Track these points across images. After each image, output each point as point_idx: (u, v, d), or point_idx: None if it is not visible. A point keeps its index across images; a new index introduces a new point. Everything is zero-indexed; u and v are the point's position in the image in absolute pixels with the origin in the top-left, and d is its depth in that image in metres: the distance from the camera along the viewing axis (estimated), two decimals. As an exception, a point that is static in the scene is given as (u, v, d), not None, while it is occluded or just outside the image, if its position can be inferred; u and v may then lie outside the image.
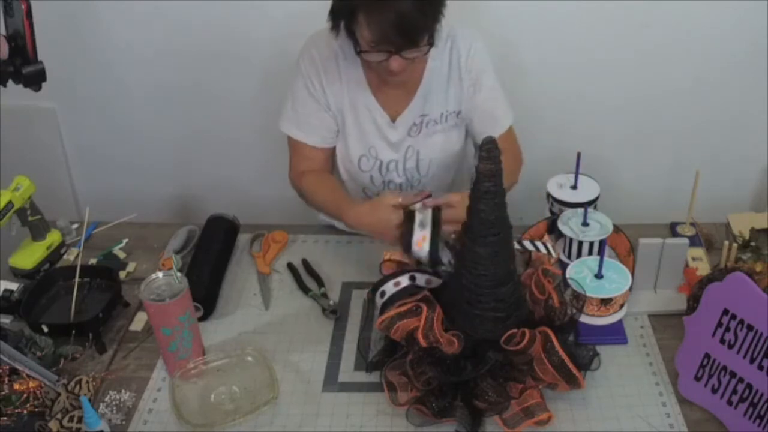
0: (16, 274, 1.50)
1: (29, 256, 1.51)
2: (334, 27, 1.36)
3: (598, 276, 1.29)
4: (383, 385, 1.21)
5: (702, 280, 1.33)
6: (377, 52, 1.33)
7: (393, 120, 1.52)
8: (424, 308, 1.20)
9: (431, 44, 1.34)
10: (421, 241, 1.27)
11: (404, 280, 1.27)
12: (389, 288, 1.27)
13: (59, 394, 1.21)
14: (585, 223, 1.41)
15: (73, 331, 1.31)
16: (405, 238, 1.28)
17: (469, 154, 1.65)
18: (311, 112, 1.51)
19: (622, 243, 1.44)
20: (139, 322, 1.40)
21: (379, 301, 1.28)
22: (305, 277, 1.51)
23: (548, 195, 1.51)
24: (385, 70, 1.37)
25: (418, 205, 1.31)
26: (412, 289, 1.26)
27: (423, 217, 1.29)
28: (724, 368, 1.16)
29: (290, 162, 1.58)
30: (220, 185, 2.20)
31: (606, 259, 1.29)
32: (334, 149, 1.58)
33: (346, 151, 1.56)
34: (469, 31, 1.51)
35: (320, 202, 1.53)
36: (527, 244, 1.32)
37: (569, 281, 1.27)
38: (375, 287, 1.29)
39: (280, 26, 1.90)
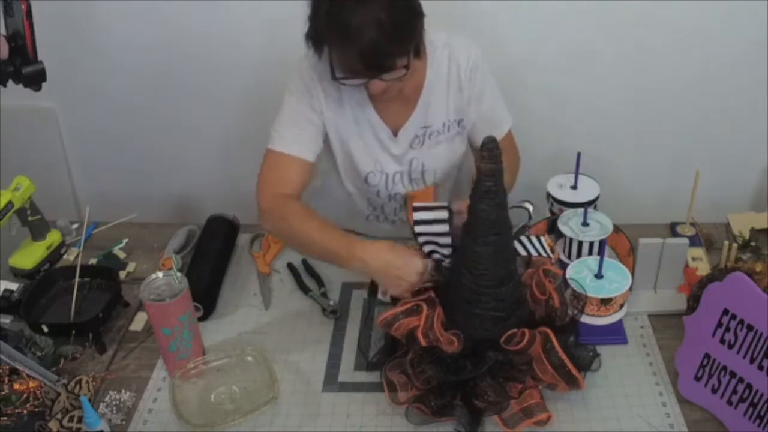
0: (16, 274, 1.51)
1: (29, 256, 1.51)
2: (316, 51, 1.32)
3: (598, 276, 1.29)
4: (383, 384, 1.21)
5: (702, 280, 1.33)
6: (352, 79, 1.32)
7: (395, 133, 1.51)
8: (424, 307, 1.20)
9: (407, 67, 1.30)
10: None
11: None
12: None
13: (59, 394, 1.21)
14: (585, 223, 1.41)
15: (73, 331, 1.31)
16: None
17: (467, 157, 1.65)
18: (301, 122, 1.45)
19: (622, 243, 1.44)
20: (139, 322, 1.40)
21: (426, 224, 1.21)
22: (305, 277, 1.51)
23: (548, 195, 1.51)
24: (368, 91, 1.36)
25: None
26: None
27: None
28: (724, 368, 1.16)
29: (263, 182, 1.45)
30: (220, 185, 2.20)
31: (606, 259, 1.29)
32: (313, 168, 1.49)
33: (353, 167, 1.54)
34: (464, 39, 1.49)
35: (314, 229, 1.33)
36: (524, 240, 1.31)
37: (569, 281, 1.27)
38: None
39: (280, 26, 1.90)
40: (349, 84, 1.35)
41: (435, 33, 1.43)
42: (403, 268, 1.23)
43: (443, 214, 1.22)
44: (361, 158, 1.53)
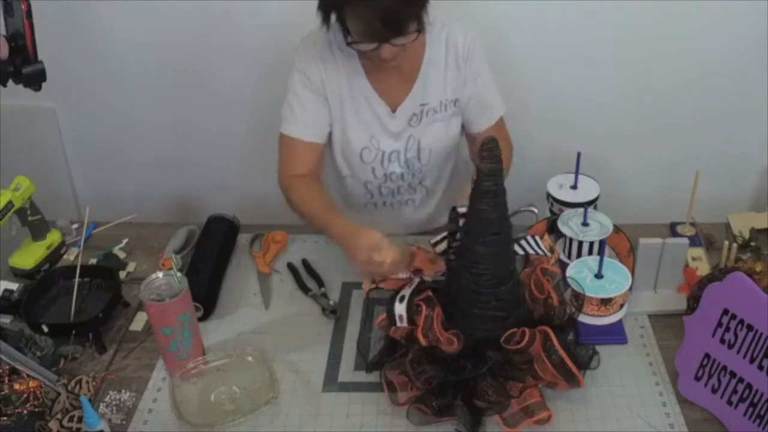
0: (16, 274, 1.51)
1: (29, 256, 1.51)
2: (325, 20, 1.38)
3: (598, 276, 1.29)
4: (383, 385, 1.21)
5: (702, 280, 1.33)
6: (366, 42, 1.36)
7: (393, 110, 1.53)
8: (423, 307, 1.20)
9: (419, 31, 1.36)
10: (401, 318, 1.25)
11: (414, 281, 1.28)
12: (405, 291, 1.27)
13: (59, 394, 1.21)
14: (585, 223, 1.41)
15: (73, 331, 1.31)
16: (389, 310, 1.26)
17: (463, 142, 1.67)
18: (309, 106, 1.51)
19: (622, 243, 1.44)
20: (139, 322, 1.40)
21: (398, 308, 1.25)
22: (305, 277, 1.51)
23: (548, 195, 1.52)
24: (377, 57, 1.39)
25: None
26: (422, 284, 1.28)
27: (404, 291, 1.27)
28: (724, 368, 1.16)
29: (281, 165, 1.55)
30: (220, 185, 2.20)
31: (606, 259, 1.29)
32: (325, 149, 1.58)
33: (347, 143, 1.56)
34: (461, 24, 1.53)
35: (309, 210, 1.48)
36: (521, 241, 1.32)
37: (569, 281, 1.27)
38: (392, 298, 1.27)
39: (279, 26, 1.90)
40: (361, 49, 1.39)
41: (433, 15, 1.46)
42: (355, 237, 1.31)
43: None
44: (356, 134, 1.55)
